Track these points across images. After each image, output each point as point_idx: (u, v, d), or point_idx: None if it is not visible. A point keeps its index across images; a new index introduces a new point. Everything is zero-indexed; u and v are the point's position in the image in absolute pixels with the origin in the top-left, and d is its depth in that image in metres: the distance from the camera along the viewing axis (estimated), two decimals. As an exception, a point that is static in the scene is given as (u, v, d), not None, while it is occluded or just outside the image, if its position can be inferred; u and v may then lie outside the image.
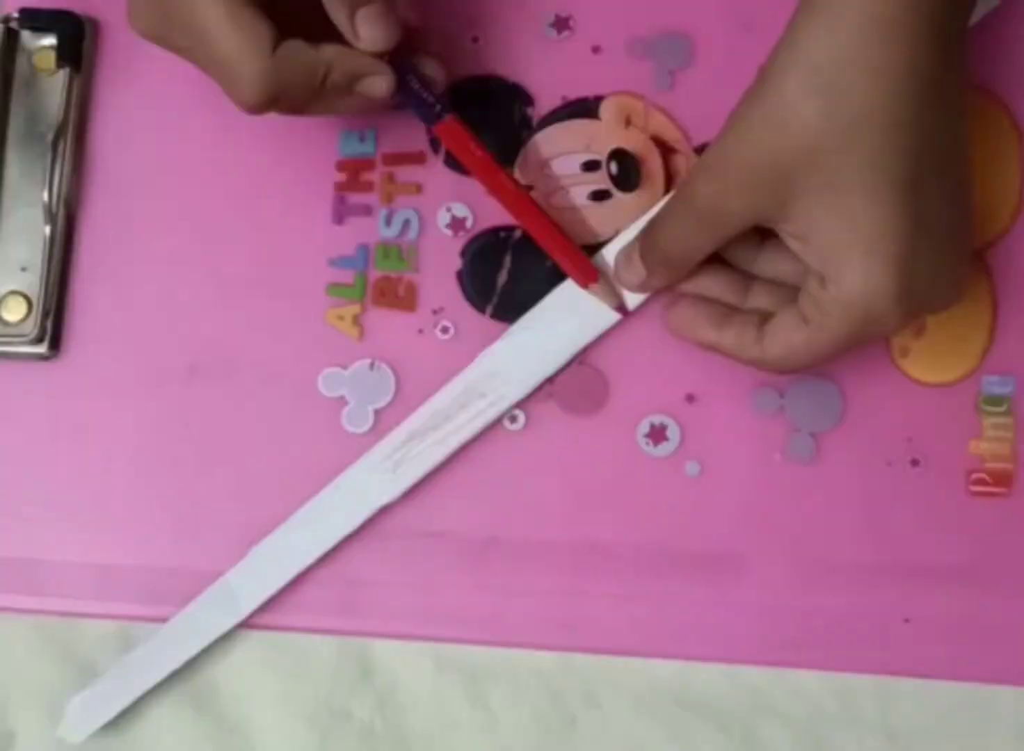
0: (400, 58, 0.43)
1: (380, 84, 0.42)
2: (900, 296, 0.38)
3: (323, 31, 0.41)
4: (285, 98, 0.41)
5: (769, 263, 0.43)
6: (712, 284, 0.44)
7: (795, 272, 0.41)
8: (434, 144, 0.47)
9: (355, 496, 0.45)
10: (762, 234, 0.42)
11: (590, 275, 0.45)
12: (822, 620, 0.45)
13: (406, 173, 0.47)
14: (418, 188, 0.47)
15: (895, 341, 0.46)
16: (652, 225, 0.43)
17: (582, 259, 0.45)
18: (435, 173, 0.47)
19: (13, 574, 0.45)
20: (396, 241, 0.47)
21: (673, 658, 0.45)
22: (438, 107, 0.44)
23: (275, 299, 0.47)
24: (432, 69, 0.45)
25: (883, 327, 0.39)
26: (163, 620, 0.45)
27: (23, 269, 0.47)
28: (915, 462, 0.46)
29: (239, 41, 0.39)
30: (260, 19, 0.40)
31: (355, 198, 0.47)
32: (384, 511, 0.45)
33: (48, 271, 0.46)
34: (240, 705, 0.45)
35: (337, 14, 0.41)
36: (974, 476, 0.45)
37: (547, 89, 0.48)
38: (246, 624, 0.45)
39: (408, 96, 0.44)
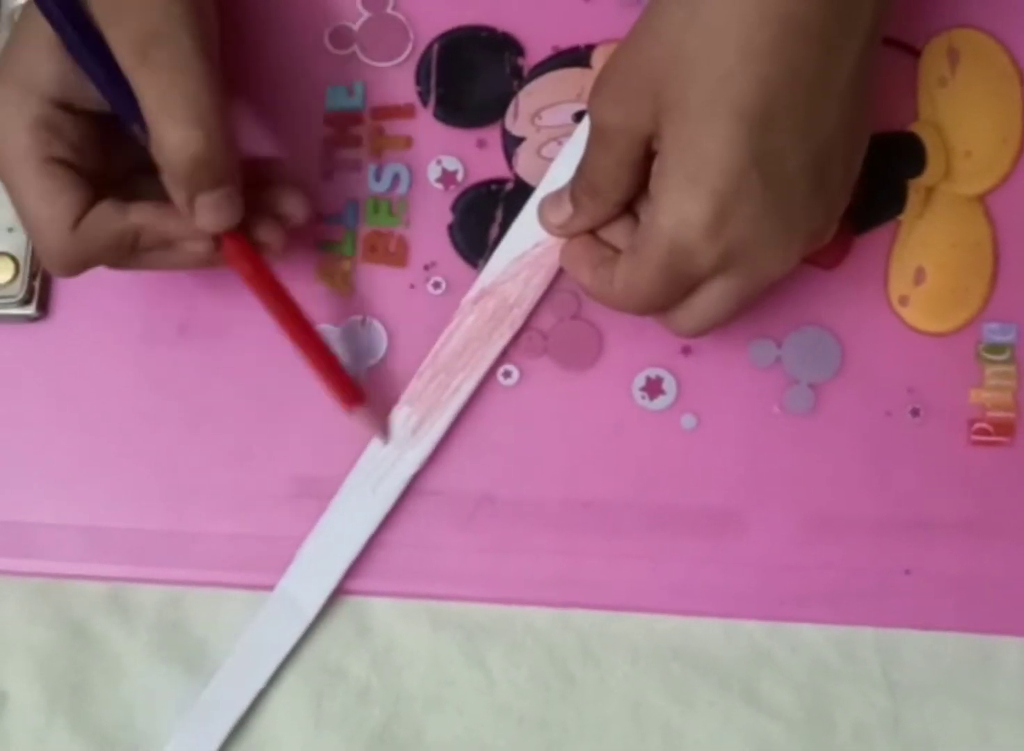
0: None
1: (196, 248, 0.41)
2: (710, 232, 0.37)
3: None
4: (95, 262, 0.41)
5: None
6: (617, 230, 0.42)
7: None
8: (423, 96, 0.47)
9: (383, 472, 0.44)
10: None
11: (354, 398, 0.43)
12: (823, 574, 0.44)
13: (395, 127, 0.47)
14: (408, 142, 0.47)
15: (894, 289, 0.46)
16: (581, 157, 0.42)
17: (348, 381, 0.43)
18: (425, 126, 0.47)
19: (3, 537, 0.45)
20: (386, 196, 0.46)
21: (671, 614, 0.44)
22: None
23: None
24: (291, 205, 0.42)
25: (693, 264, 0.38)
26: (154, 581, 0.45)
27: (10, 230, 0.46)
28: (915, 412, 0.45)
29: (44, 214, 0.39)
30: (65, 191, 0.39)
31: (343, 153, 0.47)
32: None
33: (34, 231, 0.46)
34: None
35: (174, 194, 0.39)
36: (976, 426, 0.45)
37: (538, 39, 0.47)
38: (240, 585, 0.44)
39: None
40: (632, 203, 0.41)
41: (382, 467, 0.44)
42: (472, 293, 0.45)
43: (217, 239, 0.41)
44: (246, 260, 0.42)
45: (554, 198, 0.43)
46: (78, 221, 0.39)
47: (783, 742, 0.44)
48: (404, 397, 0.45)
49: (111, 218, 0.40)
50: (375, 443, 0.44)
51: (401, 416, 0.44)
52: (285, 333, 0.43)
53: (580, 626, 0.45)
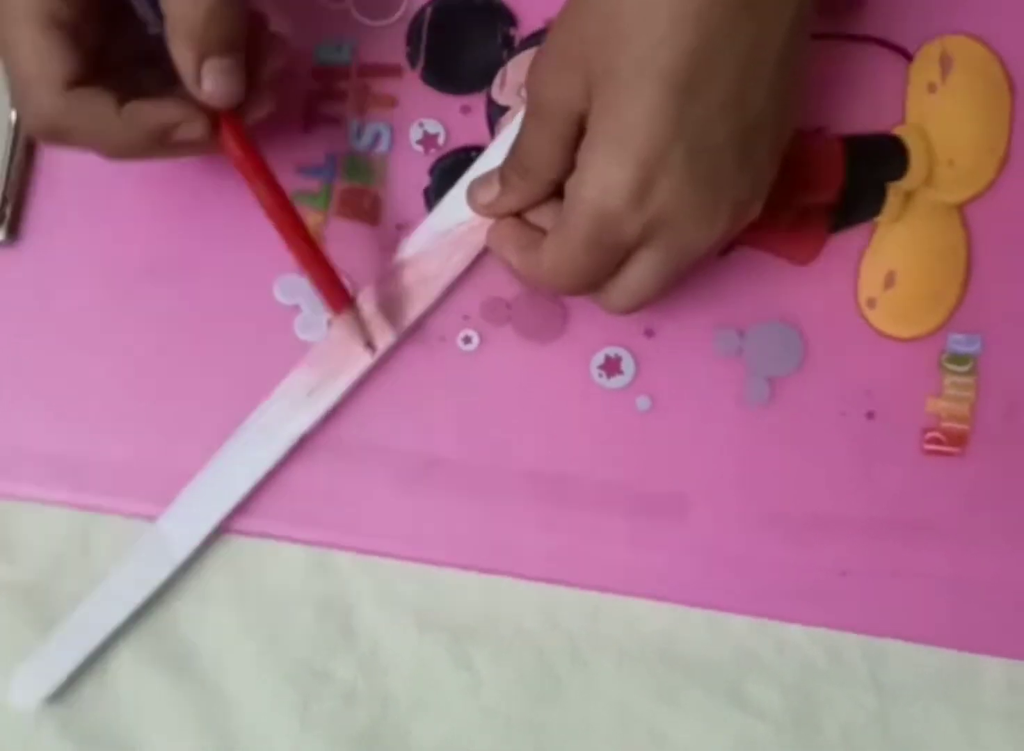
0: None
1: (193, 131, 0.40)
2: (634, 200, 0.37)
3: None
4: (77, 138, 0.39)
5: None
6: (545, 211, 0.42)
7: None
8: (412, 58, 0.47)
9: (275, 426, 0.44)
10: None
11: (341, 302, 0.43)
12: (760, 568, 0.44)
13: (381, 85, 0.47)
14: (392, 101, 0.47)
15: (863, 291, 0.45)
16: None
17: (336, 283, 0.43)
18: (411, 88, 0.47)
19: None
20: (366, 153, 0.46)
21: (602, 592, 0.44)
22: None
23: (237, 202, 0.46)
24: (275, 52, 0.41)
25: (619, 233, 0.38)
26: (119, 512, 0.45)
27: (-15, 155, 0.46)
28: (870, 415, 0.45)
29: (35, 70, 0.38)
30: (63, 53, 0.38)
31: (327, 106, 0.47)
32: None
33: (11, 157, 0.46)
34: (219, 666, 0.44)
35: (183, 58, 0.39)
36: (929, 434, 0.44)
37: (531, 10, 0.47)
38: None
39: None
40: (562, 187, 0.40)
41: (274, 421, 0.44)
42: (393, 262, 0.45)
43: (215, 122, 0.40)
44: (239, 146, 0.41)
45: (483, 178, 0.43)
46: (70, 85, 0.38)
47: (770, 743, 0.44)
48: (306, 357, 0.44)
49: (102, 101, 0.39)
50: (280, 391, 0.44)
51: (301, 377, 0.44)
52: (274, 225, 0.42)
53: (567, 628, 0.44)
